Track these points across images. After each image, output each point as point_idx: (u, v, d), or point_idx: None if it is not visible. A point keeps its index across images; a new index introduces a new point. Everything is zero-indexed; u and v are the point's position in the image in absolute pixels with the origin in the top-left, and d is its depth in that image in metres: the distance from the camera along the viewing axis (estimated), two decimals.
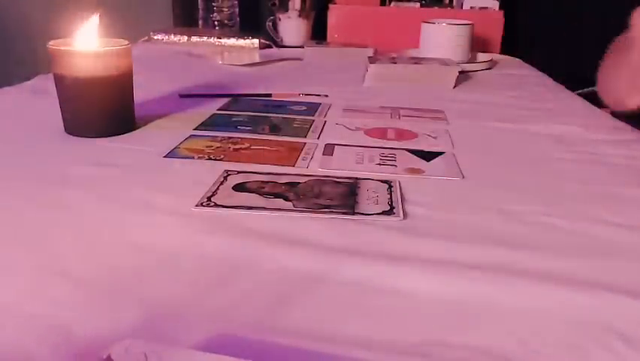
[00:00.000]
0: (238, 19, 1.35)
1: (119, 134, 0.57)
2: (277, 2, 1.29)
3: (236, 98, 0.74)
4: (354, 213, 0.41)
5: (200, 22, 1.36)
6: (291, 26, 1.26)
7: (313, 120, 0.66)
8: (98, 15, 0.56)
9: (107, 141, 0.55)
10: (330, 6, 1.24)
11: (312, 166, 0.51)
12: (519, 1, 1.34)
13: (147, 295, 0.31)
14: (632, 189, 0.48)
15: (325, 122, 0.66)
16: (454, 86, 0.86)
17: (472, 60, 1.05)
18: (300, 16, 1.25)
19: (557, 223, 0.41)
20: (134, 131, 0.59)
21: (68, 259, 0.34)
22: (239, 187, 0.45)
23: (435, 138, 0.61)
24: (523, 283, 0.33)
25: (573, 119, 0.69)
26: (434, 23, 1.03)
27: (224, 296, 0.31)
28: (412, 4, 1.28)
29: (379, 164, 0.52)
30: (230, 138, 0.58)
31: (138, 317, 0.29)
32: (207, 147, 0.55)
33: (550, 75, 0.99)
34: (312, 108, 0.72)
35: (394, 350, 0.27)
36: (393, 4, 1.28)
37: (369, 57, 0.95)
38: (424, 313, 0.30)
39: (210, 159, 0.52)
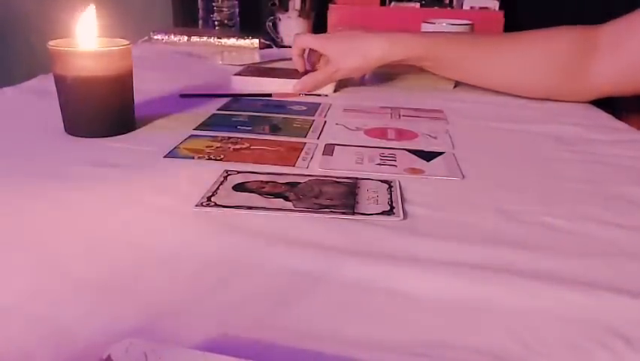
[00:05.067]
0: (238, 19, 1.35)
1: (119, 135, 0.57)
2: (277, 2, 1.29)
3: (236, 98, 0.74)
4: (354, 213, 0.41)
5: (200, 22, 1.36)
6: (291, 26, 1.26)
7: (313, 120, 0.66)
8: (94, 7, 0.56)
9: (107, 141, 0.55)
10: (330, 6, 1.24)
11: (312, 166, 0.51)
12: (519, 1, 1.34)
13: (147, 295, 0.31)
14: (632, 189, 0.48)
15: (325, 122, 0.66)
16: (454, 86, 0.86)
17: None
18: (300, 16, 1.25)
19: (557, 223, 0.41)
20: (134, 131, 0.59)
21: (68, 259, 0.34)
22: (239, 187, 0.45)
23: (435, 138, 0.61)
24: (523, 283, 0.33)
25: (573, 119, 0.69)
26: (434, 23, 1.03)
27: (225, 296, 0.31)
28: (412, 4, 1.27)
29: (379, 164, 0.52)
30: (230, 138, 0.58)
31: (138, 317, 0.29)
32: (207, 147, 0.55)
33: None
34: (312, 108, 0.72)
35: (394, 351, 0.27)
36: (393, 4, 1.28)
37: None
38: (424, 313, 0.30)
39: (210, 159, 0.52)
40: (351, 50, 0.77)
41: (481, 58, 0.77)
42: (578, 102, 0.76)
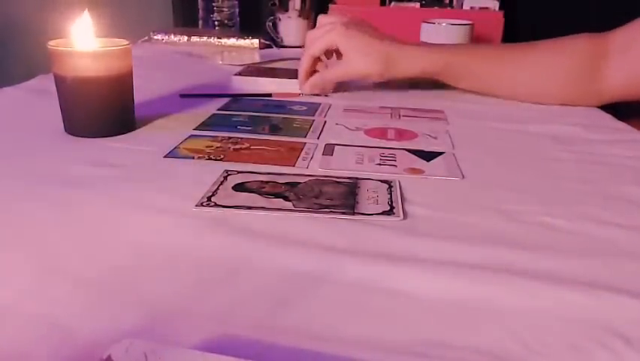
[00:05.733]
0: (238, 19, 1.35)
1: (119, 135, 0.57)
2: (277, 2, 1.29)
3: (236, 98, 0.75)
4: (354, 213, 0.41)
5: (200, 22, 1.36)
6: (291, 26, 1.26)
7: (313, 120, 0.66)
8: (87, 11, 0.56)
9: (107, 141, 0.55)
10: (331, 6, 1.24)
11: (312, 166, 0.51)
12: (519, 1, 1.34)
13: (147, 295, 0.31)
14: (631, 189, 0.48)
15: (325, 122, 0.66)
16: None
17: None
18: (300, 16, 1.25)
19: (557, 223, 0.41)
20: (134, 131, 0.59)
21: (68, 259, 0.34)
22: (239, 187, 0.45)
23: (435, 138, 0.61)
24: (523, 283, 0.33)
25: (573, 119, 0.69)
26: (434, 23, 1.03)
27: (225, 296, 0.31)
28: (412, 4, 1.27)
29: (379, 164, 0.52)
30: (230, 138, 0.58)
31: (138, 317, 0.29)
32: (207, 147, 0.55)
33: None
34: (312, 108, 0.72)
35: (394, 351, 0.27)
36: (393, 4, 1.28)
37: None
38: (424, 313, 0.30)
39: (210, 159, 0.52)
40: (371, 55, 0.75)
41: (501, 70, 0.77)
42: (590, 107, 0.75)
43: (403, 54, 0.75)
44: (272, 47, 1.22)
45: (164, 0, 1.53)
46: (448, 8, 1.28)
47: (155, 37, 1.21)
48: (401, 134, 0.62)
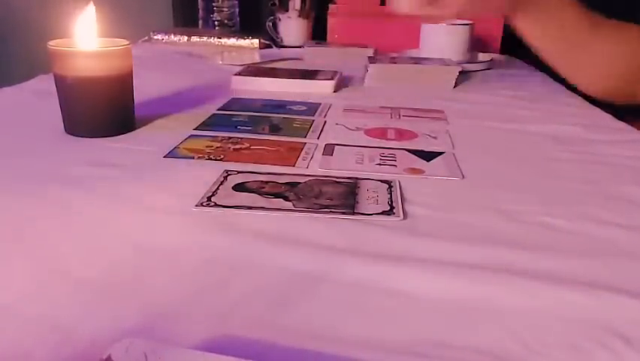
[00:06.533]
0: (238, 19, 1.36)
1: (119, 135, 0.57)
2: (277, 2, 1.29)
3: (236, 98, 0.75)
4: (354, 213, 0.41)
5: (200, 22, 1.36)
6: (291, 26, 1.26)
7: (313, 120, 0.66)
8: (93, 7, 0.56)
9: (107, 141, 0.55)
10: (331, 6, 1.24)
11: (312, 166, 0.51)
12: None
13: (147, 295, 0.31)
14: (632, 189, 0.48)
15: (325, 122, 0.66)
16: (454, 86, 0.86)
17: (472, 60, 1.05)
18: (300, 16, 1.25)
19: (557, 223, 0.41)
20: (134, 131, 0.59)
21: (68, 259, 0.34)
22: (239, 187, 0.45)
23: (435, 138, 0.61)
24: (523, 283, 0.33)
25: (573, 119, 0.69)
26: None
27: (224, 296, 0.31)
28: None
29: (379, 164, 0.52)
30: (230, 138, 0.58)
31: (138, 317, 0.29)
32: (207, 147, 0.55)
33: (550, 75, 0.99)
34: (312, 108, 0.72)
35: (394, 351, 0.27)
36: None
37: (369, 57, 0.95)
38: (424, 313, 0.30)
39: (210, 159, 0.52)
40: None
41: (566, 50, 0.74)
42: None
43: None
44: (272, 47, 1.22)
45: (164, 0, 1.53)
46: None
47: (155, 37, 1.21)
48: (401, 135, 0.62)
